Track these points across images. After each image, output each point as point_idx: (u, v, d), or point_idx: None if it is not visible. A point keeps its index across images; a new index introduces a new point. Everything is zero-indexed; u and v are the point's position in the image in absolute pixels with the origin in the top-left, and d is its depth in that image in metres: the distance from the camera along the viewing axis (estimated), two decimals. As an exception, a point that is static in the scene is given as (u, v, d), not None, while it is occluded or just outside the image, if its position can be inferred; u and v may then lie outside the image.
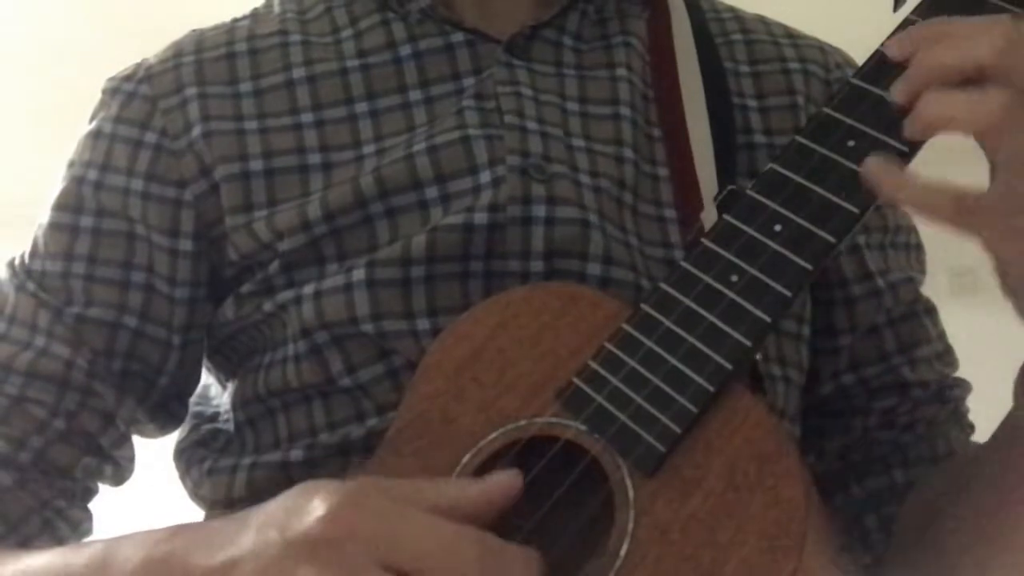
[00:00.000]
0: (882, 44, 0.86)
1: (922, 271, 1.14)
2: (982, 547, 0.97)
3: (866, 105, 0.84)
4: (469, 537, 0.74)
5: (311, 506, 0.74)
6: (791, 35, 1.14)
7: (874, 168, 0.80)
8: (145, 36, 1.11)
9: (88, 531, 1.05)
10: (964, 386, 1.12)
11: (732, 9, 1.16)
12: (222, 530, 0.77)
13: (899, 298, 1.09)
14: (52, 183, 1.07)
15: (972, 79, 0.77)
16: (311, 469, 0.97)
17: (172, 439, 1.10)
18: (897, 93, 0.81)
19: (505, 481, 0.78)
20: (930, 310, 1.12)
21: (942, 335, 1.13)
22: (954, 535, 0.99)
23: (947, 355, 1.12)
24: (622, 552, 0.75)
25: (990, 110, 0.76)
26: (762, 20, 1.15)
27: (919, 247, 1.14)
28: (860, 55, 1.12)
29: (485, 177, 0.98)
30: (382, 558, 0.72)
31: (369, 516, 0.73)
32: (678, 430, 0.78)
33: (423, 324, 0.96)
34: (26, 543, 0.99)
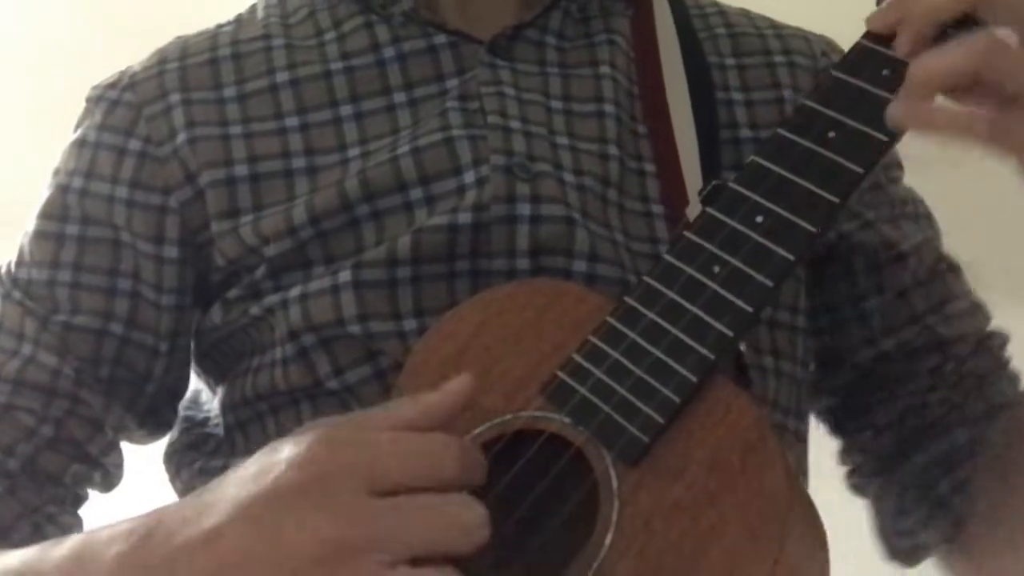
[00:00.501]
0: (864, 34, 0.86)
1: (936, 233, 1.14)
2: None
3: (847, 96, 0.84)
4: (440, 440, 0.75)
5: (280, 457, 0.73)
6: (775, 26, 1.15)
7: (900, 111, 0.80)
8: (145, 36, 1.11)
9: None
10: (1003, 336, 1.11)
11: (715, 4, 1.16)
12: (197, 503, 0.76)
13: (923, 259, 1.10)
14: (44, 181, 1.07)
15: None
16: None
17: (162, 444, 1.10)
18: (900, 48, 0.82)
19: (454, 385, 0.79)
20: (954, 268, 1.12)
21: (970, 291, 1.12)
22: None
23: (980, 310, 1.12)
24: (606, 542, 0.75)
25: (973, 42, 0.77)
26: (746, 14, 1.15)
27: (928, 215, 1.14)
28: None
29: (469, 177, 0.99)
30: (367, 484, 0.72)
31: (341, 449, 0.73)
32: (661, 421, 0.78)
33: (410, 325, 0.96)
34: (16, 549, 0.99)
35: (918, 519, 1.08)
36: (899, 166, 1.14)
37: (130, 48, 1.11)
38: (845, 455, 1.15)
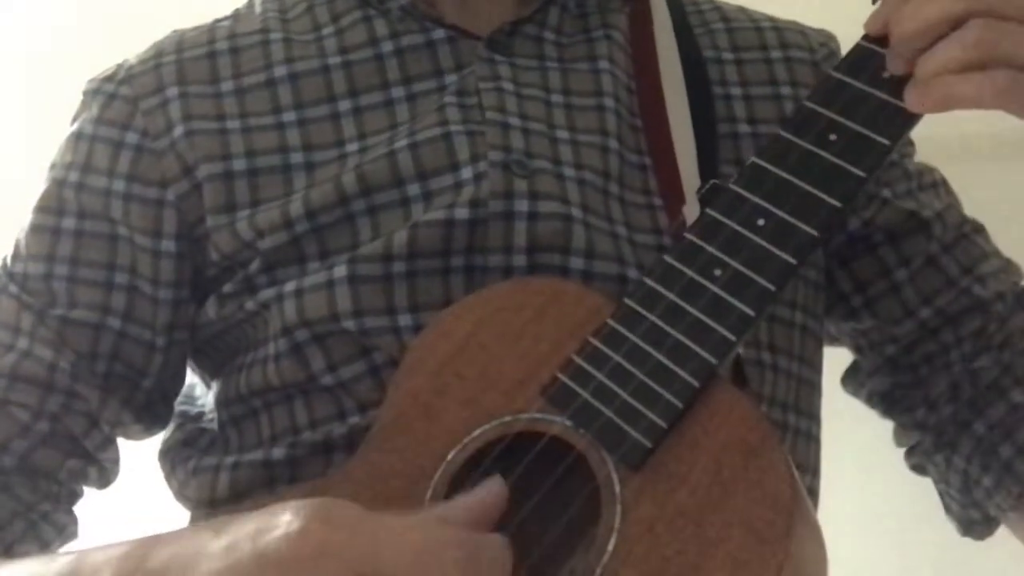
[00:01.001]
0: (863, 36, 0.86)
1: (956, 199, 1.14)
2: None
3: (847, 98, 0.85)
4: (446, 535, 0.73)
5: (281, 521, 0.72)
6: (772, 21, 1.15)
7: (915, 94, 0.81)
8: (144, 37, 1.10)
9: (73, 535, 1.04)
10: None
11: (711, 0, 1.16)
12: (193, 543, 0.76)
13: (947, 224, 1.10)
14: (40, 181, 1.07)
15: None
16: (293, 467, 0.97)
17: (157, 441, 1.10)
18: (893, 67, 0.83)
19: (491, 492, 0.78)
20: (978, 229, 1.13)
21: (997, 251, 1.13)
22: None
23: (1011, 266, 1.12)
24: (609, 547, 0.75)
25: (975, 34, 0.78)
26: (742, 9, 1.15)
27: (944, 181, 1.15)
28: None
29: (467, 173, 0.98)
30: (358, 572, 0.70)
31: (341, 530, 0.72)
32: (664, 425, 0.78)
33: (405, 320, 0.96)
34: (10, 547, 0.99)
35: (986, 488, 1.08)
36: (910, 142, 1.14)
37: (129, 49, 1.10)
38: (901, 435, 1.15)
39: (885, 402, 1.15)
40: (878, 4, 0.86)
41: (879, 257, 1.10)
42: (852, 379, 1.18)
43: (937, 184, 1.14)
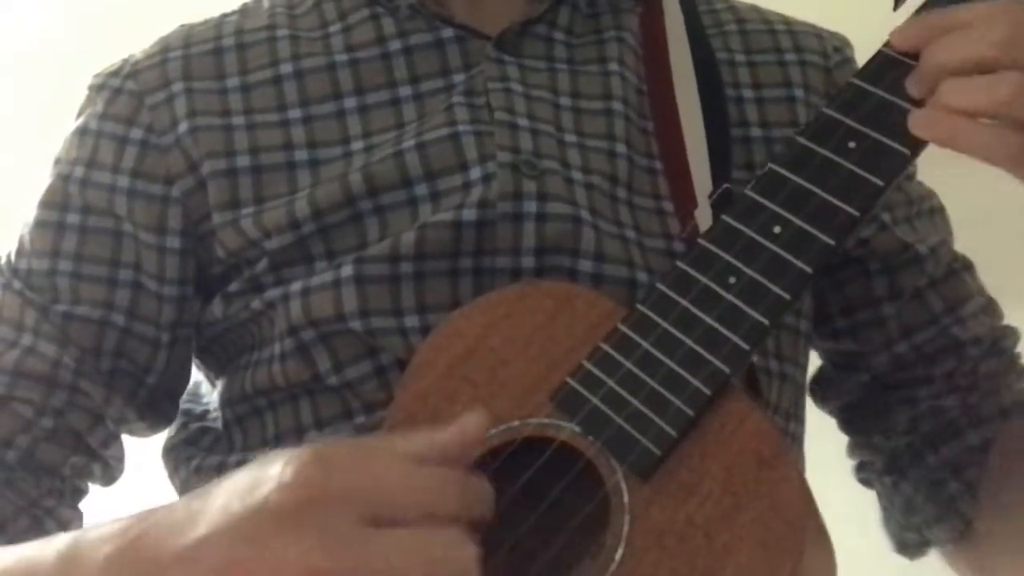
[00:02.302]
0: (886, 43, 0.85)
1: (949, 231, 1.14)
2: None
3: (868, 106, 0.84)
4: (444, 475, 0.72)
5: (273, 472, 0.71)
6: (787, 22, 1.14)
7: (922, 119, 0.81)
8: (143, 37, 1.09)
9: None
10: (1014, 333, 1.12)
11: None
12: (187, 509, 0.74)
13: (939, 260, 1.10)
14: (37, 182, 1.06)
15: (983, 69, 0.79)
16: None
17: (162, 438, 1.09)
18: (915, 90, 0.82)
19: (473, 421, 0.77)
20: (967, 266, 1.13)
21: (982, 288, 1.13)
22: None
23: (992, 306, 1.13)
24: (617, 557, 0.74)
25: (1003, 83, 0.77)
26: (757, 9, 1.14)
27: (941, 209, 1.15)
28: (861, 55, 1.11)
29: (475, 174, 0.98)
30: (363, 514, 0.69)
31: (339, 472, 0.70)
32: (674, 434, 0.78)
33: (411, 321, 0.95)
34: (14, 543, 0.98)
35: (927, 517, 1.09)
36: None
37: (126, 49, 1.09)
38: (855, 451, 1.16)
39: (845, 418, 1.16)
40: (910, 19, 0.85)
41: (871, 286, 1.09)
42: (817, 387, 1.17)
43: (935, 212, 1.13)
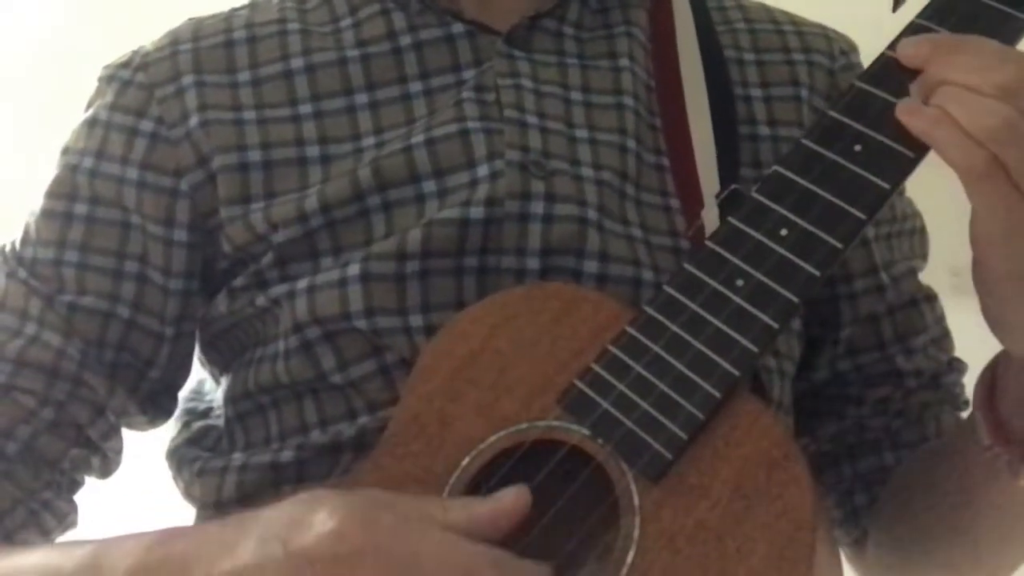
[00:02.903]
0: (889, 46, 0.85)
1: (924, 257, 1.14)
2: (949, 535, 1.01)
3: (873, 109, 0.83)
4: (485, 557, 0.73)
5: (317, 519, 0.72)
6: (795, 23, 1.13)
7: (912, 112, 0.81)
8: (143, 36, 1.09)
9: (73, 523, 1.04)
10: (960, 368, 1.12)
11: None
12: (220, 538, 0.75)
13: (901, 290, 1.10)
14: (36, 182, 1.05)
15: None
16: (301, 469, 0.96)
17: (161, 432, 1.09)
18: (914, 95, 0.82)
19: (513, 499, 0.77)
20: (930, 297, 1.13)
21: (940, 319, 1.13)
22: (927, 518, 1.02)
23: (944, 340, 1.13)
24: (628, 560, 0.75)
25: (992, 114, 0.77)
26: (765, 8, 1.14)
27: (923, 231, 1.15)
28: (861, 55, 1.11)
29: (483, 171, 0.98)
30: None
31: (380, 534, 0.72)
32: (685, 437, 0.78)
33: (416, 320, 0.95)
34: (11, 535, 0.98)
35: (832, 517, 1.11)
36: None
37: (125, 49, 1.09)
38: None
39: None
40: (916, 35, 0.84)
41: (836, 309, 1.09)
42: None
43: (915, 233, 1.13)
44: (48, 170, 1.05)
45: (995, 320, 0.86)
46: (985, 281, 0.84)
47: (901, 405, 1.10)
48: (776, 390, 1.02)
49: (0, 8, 2.25)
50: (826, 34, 1.13)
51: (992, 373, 0.93)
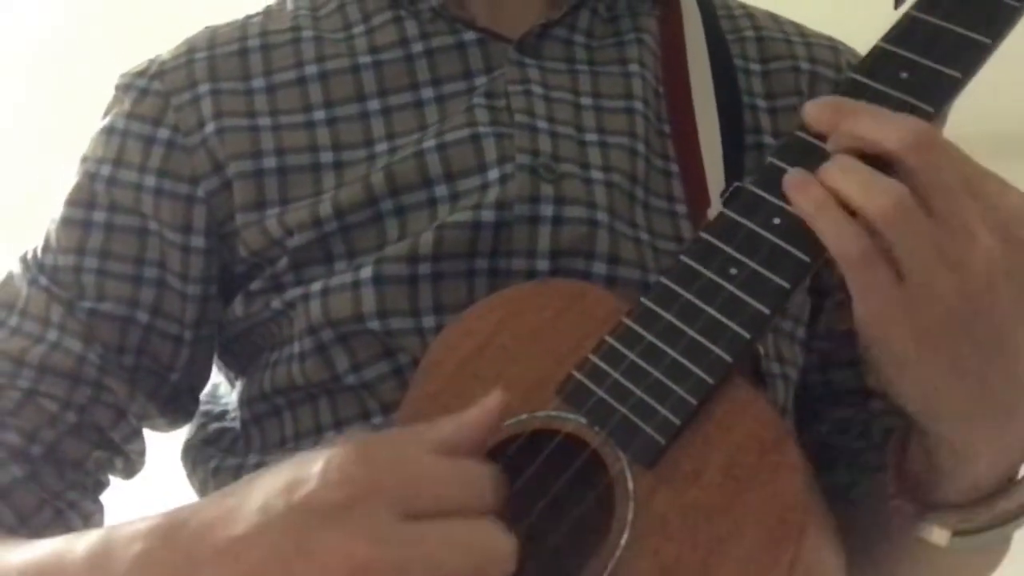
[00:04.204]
0: (881, 38, 0.85)
1: None
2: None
3: (866, 100, 0.84)
4: (478, 469, 0.75)
5: (316, 470, 0.72)
6: (803, 33, 1.14)
7: (795, 180, 0.80)
8: (143, 37, 1.11)
9: (99, 523, 1.05)
10: None
11: (744, 6, 1.15)
12: (221, 507, 0.75)
13: None
14: (48, 185, 1.07)
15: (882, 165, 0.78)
16: None
17: (181, 433, 1.11)
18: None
19: (489, 403, 0.78)
20: None
21: None
22: (861, 559, 0.98)
23: None
24: (622, 543, 0.75)
25: (885, 193, 0.76)
26: (774, 17, 1.15)
27: None
28: (861, 53, 1.12)
29: (493, 175, 0.99)
30: (405, 509, 0.71)
31: (381, 470, 0.72)
32: (678, 422, 0.78)
33: (428, 322, 0.96)
34: (37, 535, 0.99)
35: None
36: None
37: (127, 50, 1.11)
38: None
39: None
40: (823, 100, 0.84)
41: (815, 319, 1.09)
42: None
43: None
44: (48, 168, 1.07)
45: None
46: (867, 360, 0.83)
47: (863, 428, 1.09)
48: (780, 394, 1.03)
49: (0, 8, 2.28)
50: (833, 46, 1.13)
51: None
